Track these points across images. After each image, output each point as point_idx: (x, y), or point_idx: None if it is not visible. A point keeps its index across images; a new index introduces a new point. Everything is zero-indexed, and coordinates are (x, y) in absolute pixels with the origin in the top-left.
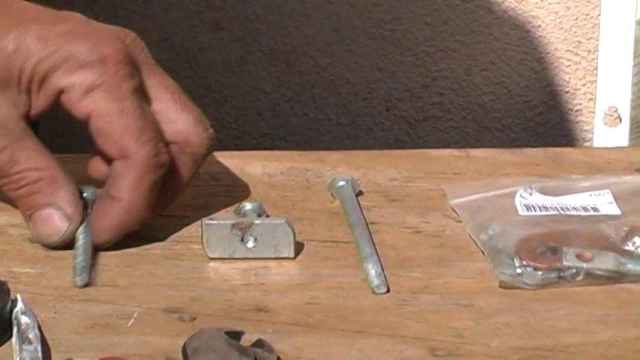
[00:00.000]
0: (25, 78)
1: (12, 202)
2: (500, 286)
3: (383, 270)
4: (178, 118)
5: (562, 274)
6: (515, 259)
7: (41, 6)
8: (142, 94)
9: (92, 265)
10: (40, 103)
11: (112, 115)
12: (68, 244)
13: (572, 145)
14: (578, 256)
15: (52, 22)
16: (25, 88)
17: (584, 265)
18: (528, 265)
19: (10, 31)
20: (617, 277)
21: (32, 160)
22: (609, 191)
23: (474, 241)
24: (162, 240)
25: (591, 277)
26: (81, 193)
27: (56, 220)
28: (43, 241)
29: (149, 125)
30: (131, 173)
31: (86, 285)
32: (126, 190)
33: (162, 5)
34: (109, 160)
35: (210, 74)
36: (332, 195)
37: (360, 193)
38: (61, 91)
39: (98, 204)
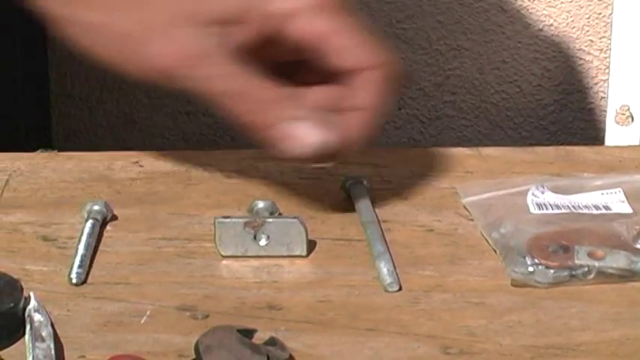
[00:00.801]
0: (231, 9)
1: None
2: (512, 285)
3: (395, 268)
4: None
5: (574, 273)
6: (527, 258)
7: None
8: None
9: (91, 263)
10: (251, 32)
11: (342, 32)
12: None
13: (585, 144)
14: (590, 255)
15: None
16: (233, 20)
17: (596, 264)
18: (540, 264)
19: None
20: (628, 275)
21: (260, 80)
22: (621, 190)
23: (486, 240)
24: (175, 238)
25: (603, 276)
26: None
27: (306, 132)
28: (294, 157)
29: (371, 39)
30: (373, 83)
31: (83, 283)
32: (371, 99)
33: None
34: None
35: None
36: (344, 193)
37: (372, 192)
38: (280, 21)
39: (340, 119)
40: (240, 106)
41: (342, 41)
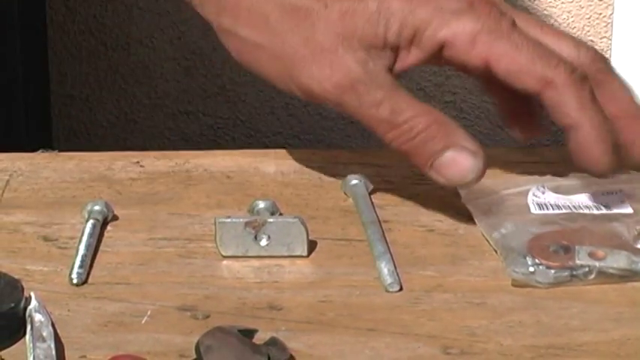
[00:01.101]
0: (391, 34)
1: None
2: (512, 285)
3: (396, 268)
4: (561, 48)
5: (574, 273)
6: (527, 258)
7: None
8: (519, 27)
9: (92, 263)
10: (412, 57)
11: (511, 54)
12: None
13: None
14: (591, 255)
15: None
16: (391, 45)
17: (597, 264)
18: (541, 264)
19: None
20: (629, 275)
21: (414, 108)
22: (622, 190)
23: (487, 240)
24: (175, 238)
25: (604, 276)
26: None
27: (464, 160)
28: (456, 185)
29: (546, 49)
30: (568, 97)
31: (83, 283)
32: (576, 112)
33: (176, 3)
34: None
35: (224, 73)
36: (345, 193)
37: (373, 192)
38: (442, 45)
39: (573, 141)
40: (401, 136)
41: (509, 66)
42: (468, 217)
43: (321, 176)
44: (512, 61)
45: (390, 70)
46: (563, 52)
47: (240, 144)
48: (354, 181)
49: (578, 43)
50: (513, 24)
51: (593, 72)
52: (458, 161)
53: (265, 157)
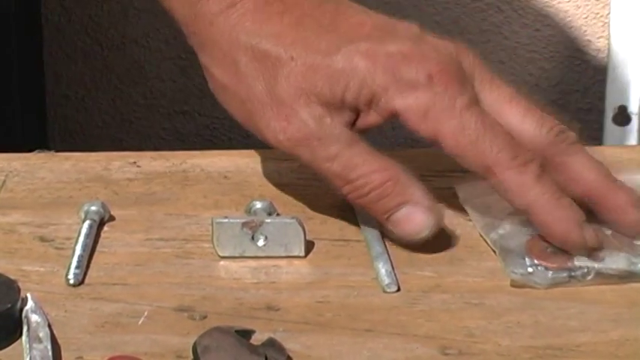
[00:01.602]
0: (350, 95)
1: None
2: (511, 285)
3: (393, 269)
4: (522, 131)
5: (572, 274)
6: (526, 259)
7: (379, 18)
8: (480, 106)
9: (88, 263)
10: (370, 118)
11: (456, 135)
12: None
13: (583, 144)
14: (590, 256)
15: (382, 40)
16: (349, 105)
17: (596, 265)
18: (539, 265)
19: (340, 48)
20: (628, 276)
21: (370, 164)
22: None
23: (485, 240)
24: (172, 239)
25: (602, 277)
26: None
27: (418, 217)
28: (410, 239)
29: (496, 132)
30: (509, 184)
31: (80, 283)
32: (519, 198)
33: None
34: None
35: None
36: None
37: None
38: (395, 113)
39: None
40: (355, 191)
41: (453, 148)
42: (465, 218)
43: (319, 176)
44: (456, 143)
45: (352, 125)
46: (525, 132)
47: (236, 144)
48: None
49: (544, 121)
50: (470, 103)
51: (554, 152)
52: (412, 217)
53: (262, 157)
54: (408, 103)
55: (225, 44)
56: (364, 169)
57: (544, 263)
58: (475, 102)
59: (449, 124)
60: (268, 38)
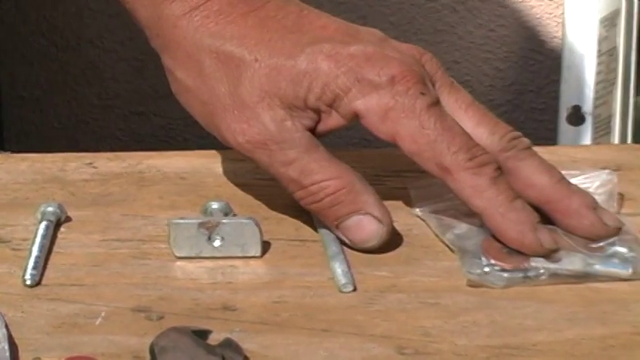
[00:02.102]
0: (312, 97)
1: None
2: (467, 285)
3: (350, 269)
4: (476, 136)
5: (528, 274)
6: (482, 259)
7: (342, 22)
8: (440, 107)
9: (45, 264)
10: (332, 121)
11: (414, 135)
12: None
13: (537, 144)
14: (546, 257)
15: (346, 43)
16: (312, 106)
17: (551, 266)
18: (496, 265)
19: (304, 49)
20: (584, 277)
21: (326, 170)
22: None
23: (441, 240)
24: (129, 239)
25: (557, 278)
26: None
27: (368, 226)
28: (359, 247)
29: (454, 133)
30: (463, 185)
31: (37, 284)
32: (473, 200)
33: None
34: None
35: None
36: None
37: None
38: (356, 115)
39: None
40: (308, 196)
41: (410, 147)
42: (421, 218)
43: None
44: (414, 143)
45: (313, 129)
46: (479, 137)
47: (192, 145)
48: None
49: (498, 127)
50: (431, 105)
51: (508, 157)
52: (362, 226)
53: (219, 157)
54: (370, 103)
55: (189, 46)
56: (319, 176)
57: (500, 263)
58: (436, 103)
59: (409, 125)
60: (232, 40)
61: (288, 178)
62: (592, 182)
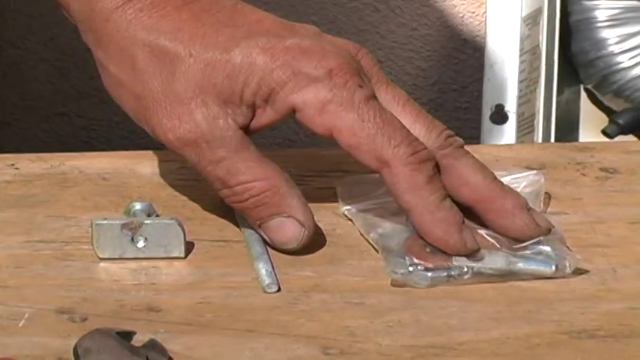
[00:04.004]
0: (248, 91)
1: None
2: (391, 285)
3: (274, 269)
4: (413, 129)
5: (452, 274)
6: (406, 258)
7: (276, 18)
8: (378, 100)
9: None
10: (266, 116)
11: (353, 128)
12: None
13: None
14: (468, 256)
15: (281, 37)
16: (248, 102)
17: (474, 265)
18: (419, 264)
19: (239, 43)
20: (507, 275)
21: (253, 171)
22: None
23: (366, 239)
24: (52, 241)
25: (481, 276)
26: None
27: (289, 228)
28: (279, 248)
29: (395, 127)
30: (400, 179)
31: None
32: (407, 195)
33: (49, 5)
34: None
35: (98, 74)
36: None
37: None
38: (292, 109)
39: (413, 223)
40: (233, 196)
41: (349, 140)
42: (345, 217)
43: (198, 177)
44: (353, 136)
45: (245, 127)
46: (416, 134)
47: (115, 146)
48: None
49: (433, 126)
50: (369, 98)
51: (442, 156)
52: (283, 228)
53: (141, 158)
54: (307, 96)
55: (122, 40)
56: (246, 177)
57: (423, 263)
58: (374, 97)
59: (347, 118)
60: (167, 34)
61: (214, 176)
62: (519, 182)
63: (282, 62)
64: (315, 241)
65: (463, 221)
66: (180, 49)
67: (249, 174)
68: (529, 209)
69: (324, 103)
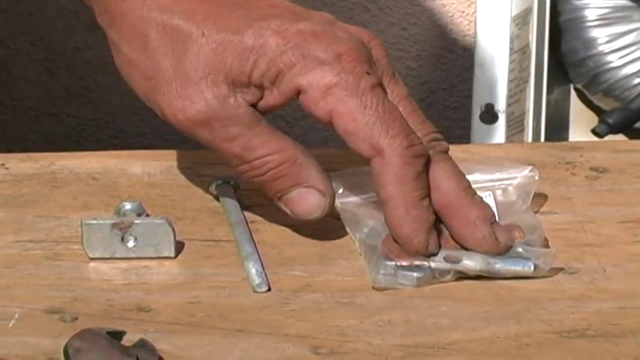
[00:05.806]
0: (257, 72)
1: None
2: (373, 288)
3: (264, 269)
4: None
5: (435, 274)
6: (386, 262)
7: (291, 3)
8: (382, 89)
9: None
10: (272, 98)
11: (354, 113)
12: None
13: (451, 143)
14: (446, 258)
15: (294, 20)
16: (256, 83)
17: (453, 267)
18: (402, 265)
19: (252, 25)
20: (487, 275)
21: (269, 145)
22: (491, 194)
23: (354, 240)
24: (42, 240)
25: (463, 274)
26: None
27: (310, 198)
28: (302, 219)
29: (395, 117)
30: (390, 169)
31: None
32: (392, 188)
33: (38, 4)
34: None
35: (87, 74)
36: (212, 194)
37: (240, 192)
38: (298, 91)
39: (386, 216)
40: (251, 170)
41: (348, 125)
42: (336, 217)
43: (188, 177)
44: (352, 121)
45: (255, 106)
46: None
47: (104, 145)
48: (221, 182)
49: (423, 125)
50: (374, 85)
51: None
52: (305, 198)
53: (131, 158)
54: (313, 78)
55: (136, 19)
56: (262, 151)
57: (400, 261)
58: (379, 85)
59: (350, 103)
60: (180, 14)
61: (231, 153)
62: (513, 178)
63: (293, 45)
64: (305, 240)
65: (435, 224)
66: (193, 29)
67: (266, 148)
68: (493, 223)
69: (329, 86)
